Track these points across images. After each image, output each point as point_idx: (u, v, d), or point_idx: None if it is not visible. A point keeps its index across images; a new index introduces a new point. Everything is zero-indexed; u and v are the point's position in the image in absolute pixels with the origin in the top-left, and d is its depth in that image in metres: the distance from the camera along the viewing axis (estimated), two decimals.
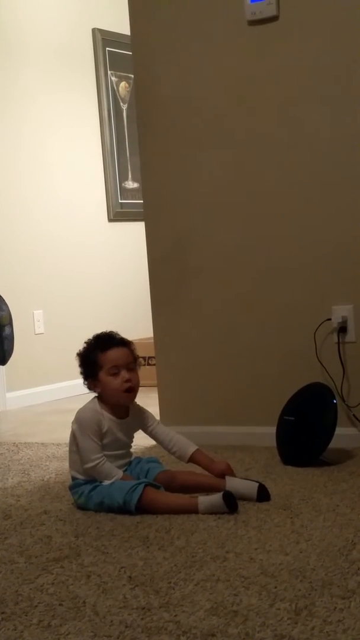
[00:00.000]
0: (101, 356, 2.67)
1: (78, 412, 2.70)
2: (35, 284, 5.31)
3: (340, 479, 2.78)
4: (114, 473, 2.61)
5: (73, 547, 2.27)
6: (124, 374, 2.65)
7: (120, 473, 2.62)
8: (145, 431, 2.77)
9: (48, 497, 2.84)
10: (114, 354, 2.67)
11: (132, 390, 2.67)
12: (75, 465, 2.68)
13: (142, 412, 2.76)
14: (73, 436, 2.68)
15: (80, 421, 2.66)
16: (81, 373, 2.73)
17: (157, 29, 3.62)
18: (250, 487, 2.56)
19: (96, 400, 2.71)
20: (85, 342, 2.74)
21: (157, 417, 2.99)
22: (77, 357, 2.73)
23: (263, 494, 2.55)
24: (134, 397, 2.70)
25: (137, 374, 2.69)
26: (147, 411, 2.77)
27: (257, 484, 2.56)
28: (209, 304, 3.56)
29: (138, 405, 2.77)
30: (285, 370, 3.39)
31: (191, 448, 2.71)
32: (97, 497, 2.58)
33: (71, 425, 2.70)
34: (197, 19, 3.52)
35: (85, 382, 2.73)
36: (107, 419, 2.66)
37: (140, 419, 2.75)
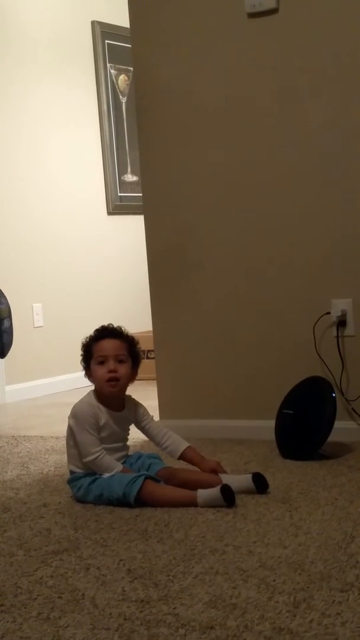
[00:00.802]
0: (94, 345, 2.71)
1: (74, 407, 2.71)
2: (35, 277, 5.31)
3: (339, 473, 2.78)
4: (113, 466, 2.61)
5: (72, 539, 2.27)
6: (110, 364, 2.66)
7: (120, 466, 2.63)
8: (138, 425, 2.77)
9: (47, 490, 2.85)
10: (104, 344, 2.69)
11: (115, 381, 2.66)
12: (73, 459, 2.68)
13: (137, 406, 2.76)
14: (70, 430, 2.68)
15: (76, 415, 2.67)
16: (81, 363, 2.76)
17: (157, 22, 3.61)
18: (246, 480, 2.57)
19: (92, 393, 2.72)
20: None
21: (157, 411, 3.01)
22: (81, 348, 2.77)
23: (261, 483, 2.56)
24: (118, 388, 2.69)
25: (126, 367, 2.69)
26: (142, 406, 2.78)
27: (250, 475, 2.57)
28: (209, 297, 3.56)
29: (133, 399, 2.77)
30: (284, 363, 3.39)
31: (183, 445, 2.72)
32: (97, 489, 2.59)
33: (68, 420, 2.70)
34: (196, 11, 3.51)
35: (85, 373, 2.76)
36: (104, 412, 2.67)
37: (135, 413, 2.75)
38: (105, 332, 2.73)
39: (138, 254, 4.52)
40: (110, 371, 2.65)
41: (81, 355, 2.75)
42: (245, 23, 3.40)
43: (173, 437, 2.73)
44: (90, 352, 2.71)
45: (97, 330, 2.76)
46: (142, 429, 2.77)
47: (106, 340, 2.70)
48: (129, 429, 2.77)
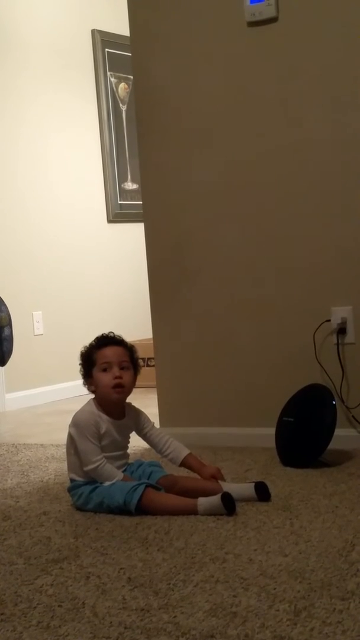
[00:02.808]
0: (96, 353, 2.70)
1: (75, 415, 2.70)
2: (35, 285, 5.32)
3: (339, 480, 2.78)
4: (114, 474, 2.61)
5: (72, 548, 2.27)
6: (115, 371, 2.66)
7: (121, 474, 2.62)
8: (140, 433, 2.76)
9: (47, 498, 2.84)
10: (107, 351, 2.69)
11: (121, 387, 2.66)
12: (74, 468, 2.68)
13: (138, 414, 2.76)
14: (71, 439, 2.67)
15: (78, 424, 2.66)
16: (80, 372, 2.75)
17: (157, 31, 3.62)
18: (248, 489, 2.57)
19: (92, 402, 2.72)
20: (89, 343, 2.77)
21: (157, 418, 3.00)
22: (79, 357, 2.76)
23: (262, 492, 2.56)
24: (124, 395, 2.69)
25: (130, 375, 2.69)
26: (143, 413, 2.77)
27: (252, 484, 2.57)
28: (209, 305, 3.56)
29: (134, 406, 2.77)
30: (284, 371, 3.39)
31: (184, 452, 2.72)
32: (97, 497, 2.58)
33: (68, 429, 2.70)
34: (196, 20, 3.52)
35: (84, 382, 2.74)
36: (105, 421, 2.67)
37: (136, 421, 2.75)
38: (108, 340, 2.73)
39: (138, 262, 4.52)
40: (115, 377, 2.65)
41: (80, 364, 2.73)
42: (245, 32, 3.40)
43: (174, 444, 2.73)
44: (92, 360, 2.70)
45: (98, 339, 2.75)
46: (144, 436, 2.77)
47: (109, 347, 2.70)
48: (129, 437, 2.77)
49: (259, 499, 2.55)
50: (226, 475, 2.76)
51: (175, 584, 1.93)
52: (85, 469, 2.62)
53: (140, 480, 2.61)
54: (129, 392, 2.70)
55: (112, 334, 2.76)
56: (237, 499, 2.48)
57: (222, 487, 2.58)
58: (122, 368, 2.67)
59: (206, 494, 2.52)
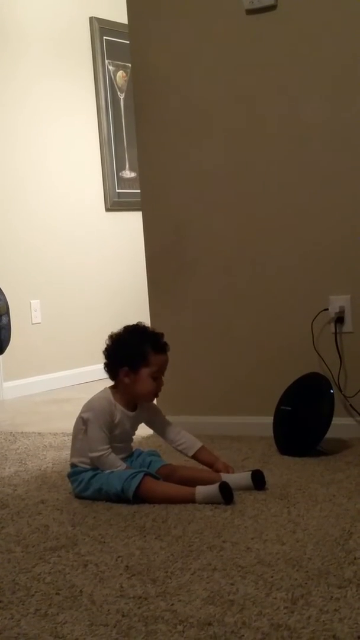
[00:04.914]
0: (153, 355, 2.65)
1: (92, 401, 2.69)
2: (32, 274, 5.31)
3: (337, 469, 2.78)
4: (117, 464, 2.61)
5: (70, 536, 2.27)
6: (162, 381, 2.69)
7: (124, 465, 2.63)
8: (150, 424, 2.78)
9: (45, 486, 2.85)
10: (164, 359, 2.69)
11: (158, 395, 2.74)
12: (80, 453, 2.66)
13: (151, 406, 2.78)
14: (82, 424, 2.66)
15: (94, 410, 2.65)
16: (112, 357, 2.68)
17: (155, 18, 3.60)
18: (245, 477, 2.59)
19: (109, 390, 2.71)
20: (127, 329, 2.70)
21: None
22: (115, 341, 2.68)
23: (259, 480, 2.57)
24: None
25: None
26: (156, 405, 2.79)
27: (249, 473, 2.58)
28: (207, 294, 3.56)
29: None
30: (282, 360, 3.39)
31: (197, 444, 2.74)
32: (96, 483, 2.59)
33: (81, 414, 2.68)
34: (194, 7, 3.50)
35: (115, 369, 2.67)
36: (120, 411, 2.67)
37: (149, 413, 2.76)
38: (164, 347, 2.70)
39: (136, 250, 4.51)
40: (160, 386, 2.69)
41: (123, 354, 2.65)
42: (243, 19, 3.39)
43: (186, 436, 2.75)
44: (146, 359, 2.64)
45: (154, 339, 2.68)
46: (154, 426, 2.79)
47: (165, 355, 2.69)
48: (136, 429, 2.78)
49: (256, 488, 2.55)
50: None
51: (173, 572, 1.94)
52: (90, 454, 2.62)
53: (140, 469, 2.62)
54: None
55: (162, 334, 2.71)
56: (235, 488, 2.49)
57: (221, 477, 2.58)
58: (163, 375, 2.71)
59: (204, 482, 2.53)
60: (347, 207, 3.26)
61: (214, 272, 3.54)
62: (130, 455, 2.74)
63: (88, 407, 2.68)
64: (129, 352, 2.67)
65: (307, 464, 2.88)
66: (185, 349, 3.61)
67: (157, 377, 2.67)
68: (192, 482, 2.55)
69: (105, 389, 2.72)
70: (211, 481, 2.54)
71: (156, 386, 2.67)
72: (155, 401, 2.78)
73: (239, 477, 2.60)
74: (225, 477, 2.58)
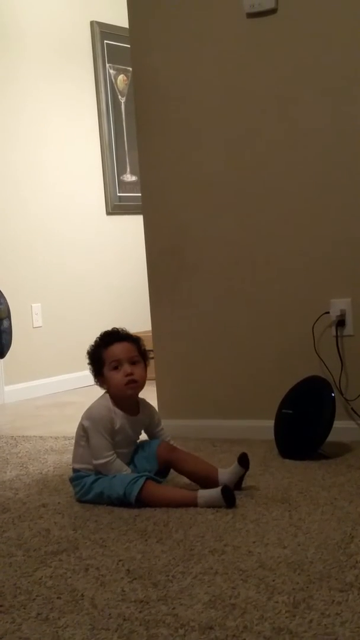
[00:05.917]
0: (104, 352, 2.68)
1: (90, 409, 2.69)
2: (34, 277, 5.31)
3: (338, 472, 2.78)
4: (124, 470, 2.61)
5: (71, 540, 2.27)
6: (126, 368, 2.65)
7: (129, 470, 2.63)
8: (149, 432, 2.80)
9: (46, 490, 2.85)
10: (115, 349, 2.67)
11: (135, 382, 2.65)
12: (82, 458, 2.66)
13: (152, 413, 2.79)
14: (83, 431, 2.66)
15: (93, 418, 2.65)
16: (91, 371, 2.73)
17: (156, 22, 3.61)
18: (232, 471, 2.60)
19: (107, 396, 2.71)
20: (94, 341, 2.74)
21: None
22: (87, 356, 2.74)
23: (242, 460, 2.58)
24: (138, 389, 2.70)
25: (141, 368, 2.68)
26: (157, 412, 2.80)
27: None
28: (208, 297, 3.56)
29: (148, 402, 2.79)
30: (283, 363, 3.39)
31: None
32: (98, 487, 2.59)
33: (81, 421, 2.68)
34: (195, 11, 3.51)
35: (95, 380, 2.74)
36: (120, 416, 2.66)
37: (151, 418, 2.77)
38: (113, 336, 2.70)
39: (137, 254, 4.52)
40: (127, 374, 2.65)
41: (89, 364, 2.72)
42: (244, 23, 3.39)
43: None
44: (101, 360, 2.67)
45: (102, 337, 2.72)
46: (152, 436, 2.80)
47: (116, 344, 2.68)
48: (140, 433, 2.78)
49: (239, 464, 2.57)
50: (225, 467, 2.75)
51: (174, 575, 1.94)
52: (95, 462, 2.62)
53: (149, 457, 2.67)
54: (142, 386, 2.70)
55: (115, 330, 2.74)
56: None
57: (217, 471, 2.62)
58: (132, 363, 2.66)
59: (202, 475, 2.55)
60: (348, 210, 3.26)
61: (215, 275, 3.54)
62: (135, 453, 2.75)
63: (87, 415, 2.68)
64: (91, 363, 2.72)
65: (309, 467, 2.88)
66: (186, 353, 3.61)
67: (117, 367, 2.65)
68: (189, 473, 2.62)
69: (105, 394, 2.72)
70: (209, 474, 2.57)
71: (122, 375, 2.64)
72: (156, 406, 2.79)
73: (228, 472, 2.60)
74: (221, 473, 2.61)
